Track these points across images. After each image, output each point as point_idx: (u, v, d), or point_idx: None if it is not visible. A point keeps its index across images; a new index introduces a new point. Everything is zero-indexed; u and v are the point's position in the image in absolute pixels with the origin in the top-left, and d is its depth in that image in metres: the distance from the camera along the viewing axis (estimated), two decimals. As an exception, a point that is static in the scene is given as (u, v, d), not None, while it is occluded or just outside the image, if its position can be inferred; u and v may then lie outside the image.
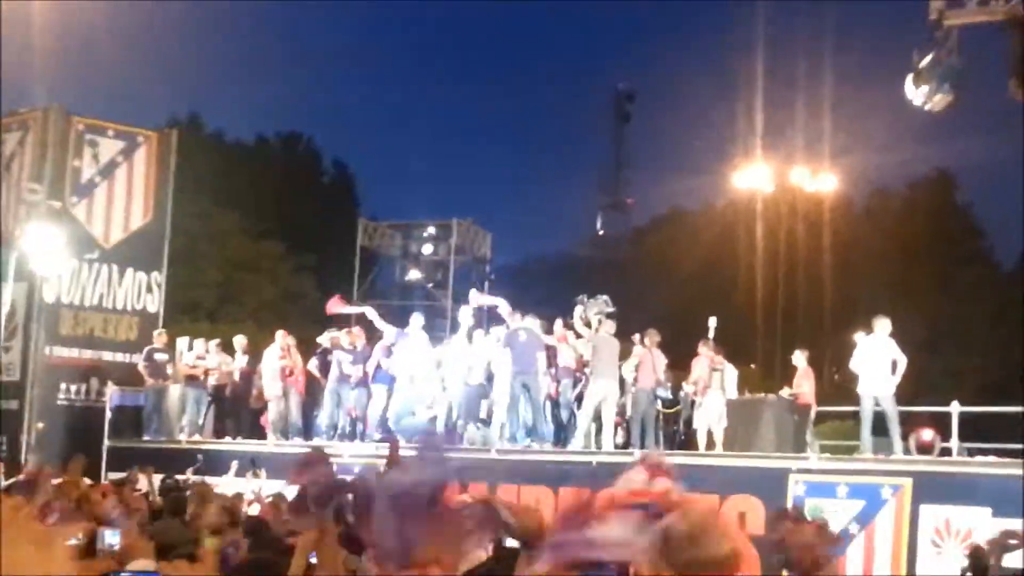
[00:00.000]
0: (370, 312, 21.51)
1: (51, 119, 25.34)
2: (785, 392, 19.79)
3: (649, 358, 19.37)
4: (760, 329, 31.99)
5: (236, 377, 22.73)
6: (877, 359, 17.37)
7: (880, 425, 17.50)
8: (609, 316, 19.51)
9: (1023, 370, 25.99)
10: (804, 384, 19.77)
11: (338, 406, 21.12)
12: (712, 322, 19.64)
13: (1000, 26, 16.69)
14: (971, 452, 17.69)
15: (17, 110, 26.38)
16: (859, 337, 18.18)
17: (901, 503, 15.35)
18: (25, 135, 25.52)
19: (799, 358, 20.06)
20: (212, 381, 22.72)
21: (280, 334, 22.18)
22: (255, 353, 22.78)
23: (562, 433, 19.78)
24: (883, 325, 17.60)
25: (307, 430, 21.52)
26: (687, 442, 19.47)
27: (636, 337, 19.94)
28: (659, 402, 19.96)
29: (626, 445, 19.25)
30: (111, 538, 7.89)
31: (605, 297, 19.74)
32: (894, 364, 17.30)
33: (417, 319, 21.06)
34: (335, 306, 22.66)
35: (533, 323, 19.43)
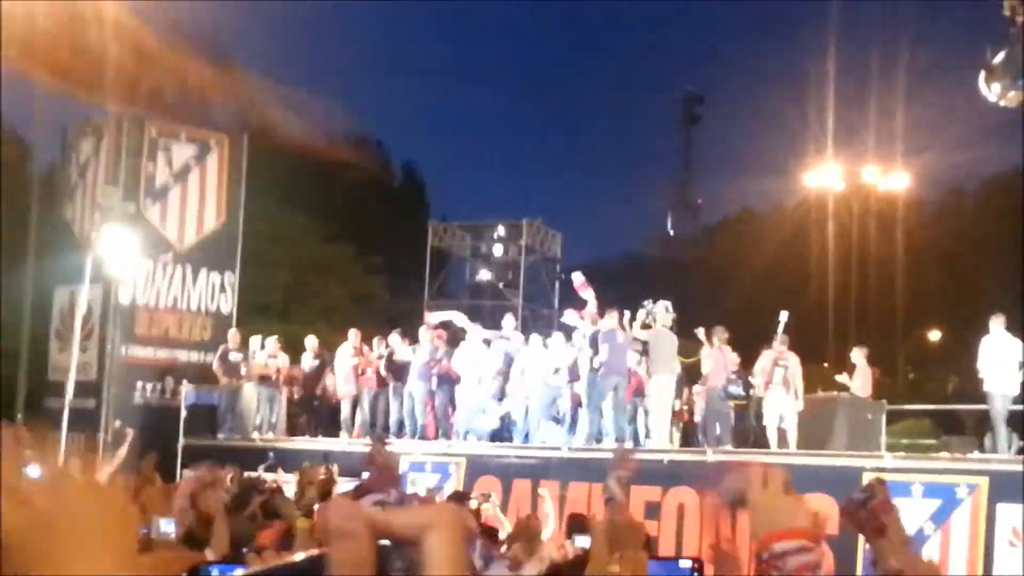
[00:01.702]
0: (458, 318, 21.58)
1: (125, 125, 25.68)
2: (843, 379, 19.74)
3: (720, 357, 19.33)
4: (832, 328, 31.74)
5: (307, 375, 23.04)
6: (1003, 357, 17.16)
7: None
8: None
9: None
10: (858, 381, 19.65)
11: (411, 403, 21.24)
12: (783, 316, 19.45)
13: (1076, 22, 16.51)
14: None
15: (90, 117, 26.77)
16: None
17: (977, 502, 15.18)
18: (100, 141, 25.91)
19: (857, 355, 19.95)
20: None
21: (353, 332, 22.38)
22: (325, 353, 22.99)
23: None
24: (998, 322, 17.39)
25: (379, 428, 21.63)
26: (759, 439, 19.37)
27: (701, 334, 19.87)
28: (730, 400, 19.92)
29: (695, 443, 19.23)
30: (166, 527, 7.93)
31: (667, 303, 19.65)
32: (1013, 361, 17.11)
33: (509, 320, 21.22)
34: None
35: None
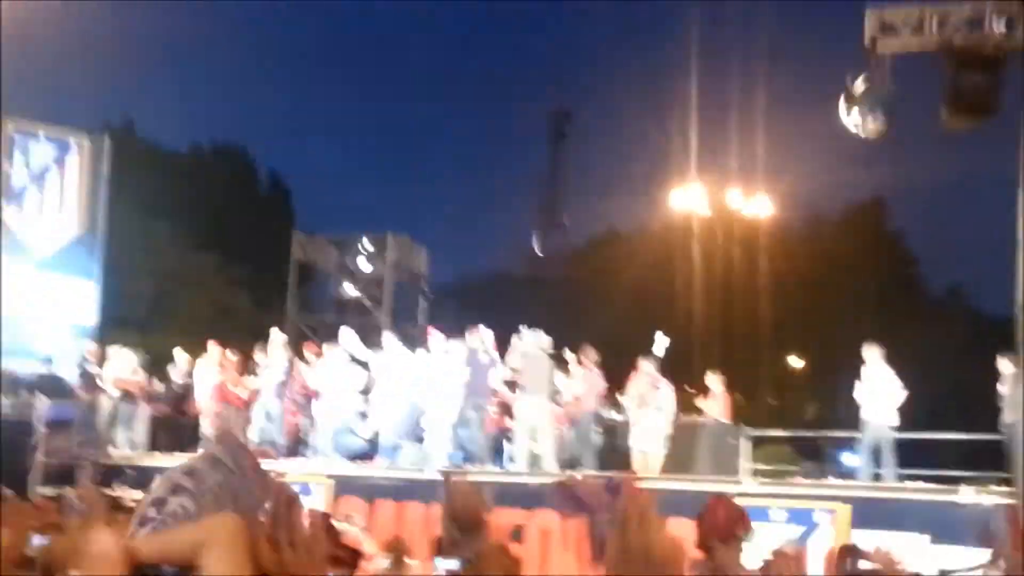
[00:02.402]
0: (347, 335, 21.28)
1: (-19, 120, 24.99)
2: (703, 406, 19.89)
3: (591, 378, 19.33)
4: (697, 351, 32.02)
5: (172, 391, 22.63)
6: (879, 386, 17.42)
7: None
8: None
9: (955, 397, 26.32)
10: (714, 406, 19.80)
11: (269, 420, 20.98)
12: (659, 337, 19.50)
13: (932, 55, 16.86)
14: (901, 479, 17.85)
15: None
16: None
17: (837, 528, 15.41)
18: (-45, 137, 25.14)
19: (712, 380, 20.08)
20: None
21: (214, 347, 22.03)
22: (189, 367, 22.59)
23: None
24: (874, 351, 17.67)
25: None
26: (621, 462, 19.41)
27: (569, 354, 19.83)
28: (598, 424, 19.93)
29: (569, 466, 19.14)
30: (40, 541, 7.73)
31: (539, 331, 19.53)
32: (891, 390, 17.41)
33: (390, 338, 20.97)
34: None
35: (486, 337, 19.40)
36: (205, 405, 21.62)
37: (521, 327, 19.55)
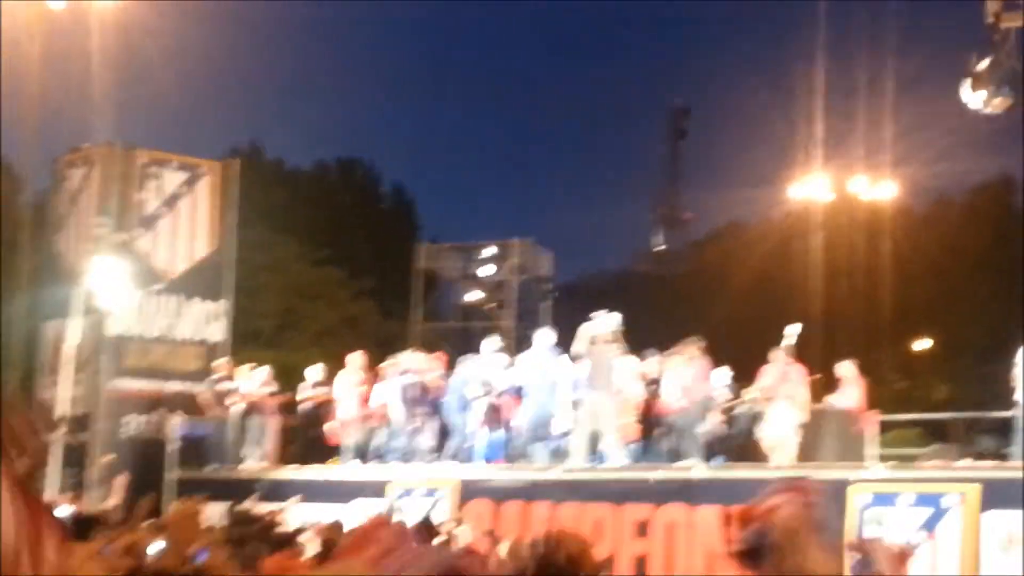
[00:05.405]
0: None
1: (114, 153, 25.66)
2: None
3: (703, 367, 18.98)
4: (820, 340, 31.73)
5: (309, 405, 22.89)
6: None
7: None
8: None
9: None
10: (852, 393, 19.45)
11: (396, 427, 21.19)
12: (791, 328, 19.20)
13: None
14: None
15: (80, 146, 26.76)
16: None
17: (967, 510, 15.26)
18: (90, 170, 25.82)
19: (846, 367, 19.69)
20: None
21: (356, 357, 22.07)
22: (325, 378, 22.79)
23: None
24: None
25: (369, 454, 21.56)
26: (746, 452, 19.20)
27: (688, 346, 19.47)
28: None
29: (676, 458, 18.86)
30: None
31: (614, 315, 19.07)
32: None
33: (491, 343, 21.14)
34: None
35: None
36: (347, 415, 21.67)
37: (594, 313, 18.95)
